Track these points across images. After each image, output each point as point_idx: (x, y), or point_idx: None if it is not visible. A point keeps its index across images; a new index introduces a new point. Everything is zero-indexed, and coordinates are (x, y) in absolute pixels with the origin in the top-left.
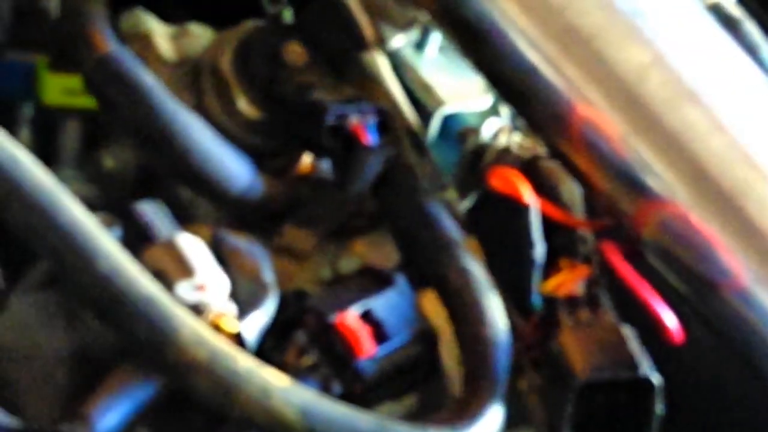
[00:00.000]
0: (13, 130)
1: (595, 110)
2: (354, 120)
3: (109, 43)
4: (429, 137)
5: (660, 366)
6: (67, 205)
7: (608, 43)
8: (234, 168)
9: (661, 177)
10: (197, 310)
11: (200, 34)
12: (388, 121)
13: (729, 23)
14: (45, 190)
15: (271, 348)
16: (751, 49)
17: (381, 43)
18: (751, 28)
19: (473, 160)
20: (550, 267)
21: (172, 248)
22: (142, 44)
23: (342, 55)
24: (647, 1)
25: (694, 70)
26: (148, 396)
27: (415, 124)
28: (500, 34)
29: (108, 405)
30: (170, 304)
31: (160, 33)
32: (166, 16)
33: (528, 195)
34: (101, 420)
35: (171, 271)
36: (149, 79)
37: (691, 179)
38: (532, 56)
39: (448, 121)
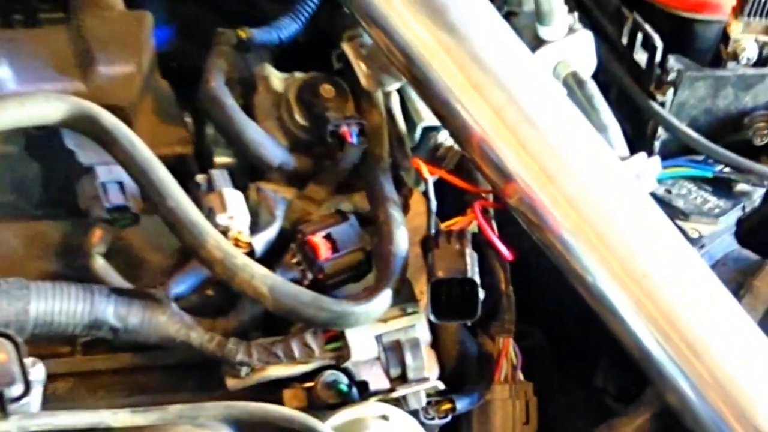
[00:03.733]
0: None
1: (483, 134)
2: (344, 128)
3: (215, 81)
4: (414, 138)
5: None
6: (158, 168)
7: (481, 92)
8: (275, 151)
9: (515, 170)
10: (225, 230)
11: (289, 77)
12: (365, 129)
13: (579, 84)
14: (150, 163)
15: (279, 252)
16: (588, 99)
17: (380, 85)
18: (593, 88)
19: (432, 152)
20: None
21: (219, 195)
22: (264, 81)
23: (356, 92)
24: (502, 61)
25: (532, 105)
26: (201, 277)
27: (403, 130)
28: (433, 92)
29: (179, 280)
30: (206, 225)
31: (274, 75)
32: (279, 67)
33: (425, 172)
34: (173, 288)
35: (216, 207)
36: (231, 101)
37: (532, 171)
38: (450, 104)
39: (425, 130)
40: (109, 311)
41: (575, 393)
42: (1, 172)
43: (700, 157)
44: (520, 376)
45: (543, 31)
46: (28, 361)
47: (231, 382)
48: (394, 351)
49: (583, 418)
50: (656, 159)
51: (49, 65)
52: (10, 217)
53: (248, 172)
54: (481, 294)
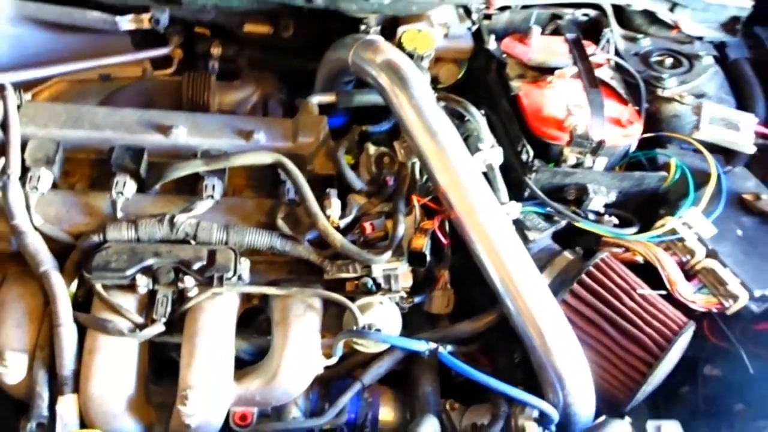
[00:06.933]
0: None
1: (444, 186)
2: (388, 177)
3: (340, 151)
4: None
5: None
6: (305, 185)
7: (446, 169)
8: (358, 183)
9: (455, 204)
10: (328, 216)
11: (376, 149)
12: (397, 178)
13: (491, 168)
14: (303, 185)
15: (351, 228)
16: (494, 176)
17: (409, 159)
18: (497, 170)
19: (426, 189)
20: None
21: (329, 201)
22: (367, 150)
23: (398, 161)
24: (458, 157)
25: (469, 177)
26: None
27: (417, 178)
28: (427, 166)
29: (310, 233)
30: (320, 213)
31: (371, 147)
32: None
33: (414, 200)
34: (307, 236)
35: (327, 206)
36: (343, 161)
37: (461, 206)
38: (432, 172)
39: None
40: (279, 243)
41: (473, 289)
42: (242, 173)
43: (539, 201)
44: (449, 286)
45: (479, 146)
46: (242, 259)
47: (326, 276)
48: (391, 277)
49: (480, 303)
50: (518, 205)
51: (280, 135)
52: (247, 196)
53: (347, 189)
54: (429, 258)
